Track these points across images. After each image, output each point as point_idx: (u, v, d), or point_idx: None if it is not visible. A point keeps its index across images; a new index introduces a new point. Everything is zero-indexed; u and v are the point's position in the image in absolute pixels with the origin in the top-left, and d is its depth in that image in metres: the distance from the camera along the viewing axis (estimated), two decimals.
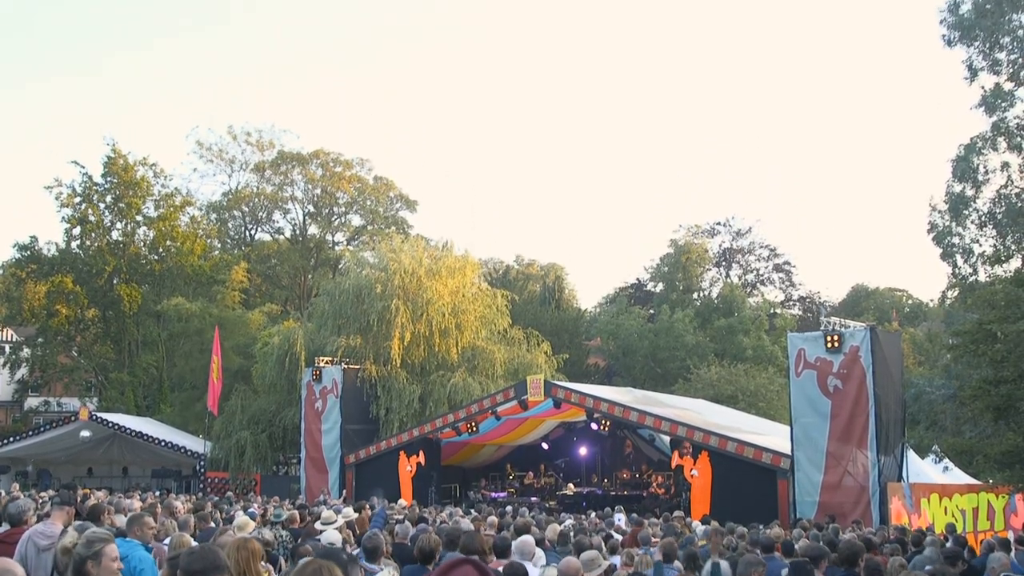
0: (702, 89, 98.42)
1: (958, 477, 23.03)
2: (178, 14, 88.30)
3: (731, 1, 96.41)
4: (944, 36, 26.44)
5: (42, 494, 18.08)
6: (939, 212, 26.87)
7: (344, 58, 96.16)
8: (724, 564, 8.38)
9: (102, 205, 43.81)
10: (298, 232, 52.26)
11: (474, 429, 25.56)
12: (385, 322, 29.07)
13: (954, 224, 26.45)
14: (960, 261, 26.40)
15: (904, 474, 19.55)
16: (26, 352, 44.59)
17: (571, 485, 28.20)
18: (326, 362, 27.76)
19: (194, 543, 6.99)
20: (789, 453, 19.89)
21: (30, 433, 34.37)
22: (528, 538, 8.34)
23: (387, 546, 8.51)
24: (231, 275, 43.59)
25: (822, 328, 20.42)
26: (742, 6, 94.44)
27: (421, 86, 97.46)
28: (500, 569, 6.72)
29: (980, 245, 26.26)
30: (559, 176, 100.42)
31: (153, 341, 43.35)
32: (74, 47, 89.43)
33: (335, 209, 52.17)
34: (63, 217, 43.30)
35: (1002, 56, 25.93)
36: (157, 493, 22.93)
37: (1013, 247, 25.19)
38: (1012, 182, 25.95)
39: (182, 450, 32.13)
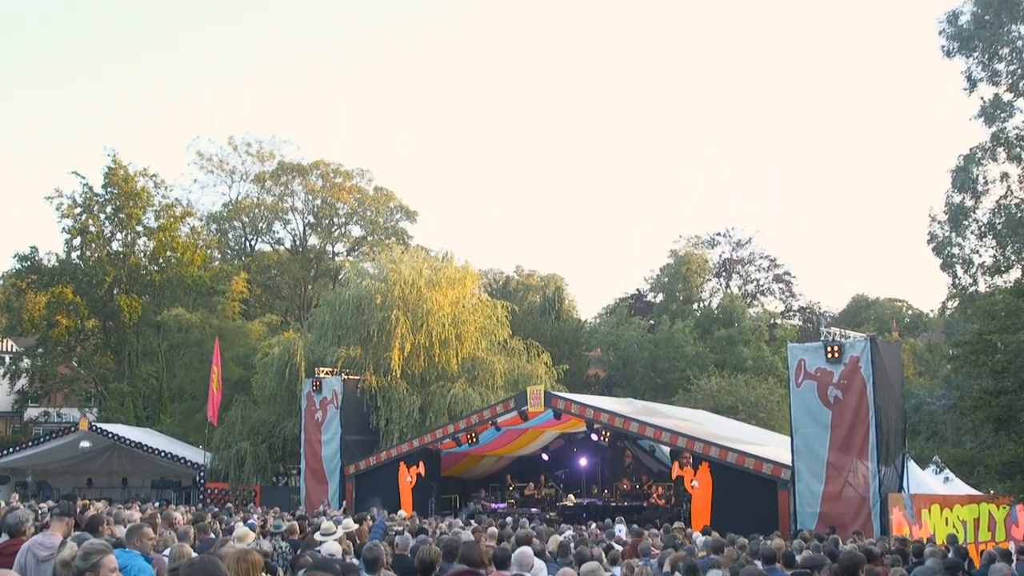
0: (703, 100, 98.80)
1: (959, 488, 22.95)
2: (177, 25, 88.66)
3: (731, 10, 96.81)
4: (943, 47, 26.54)
5: (41, 505, 18.06)
6: (939, 222, 26.92)
7: (345, 69, 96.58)
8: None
9: (102, 216, 43.81)
10: (298, 243, 52.24)
11: (474, 440, 25.53)
12: (385, 333, 29.08)
13: (954, 234, 26.48)
14: (960, 271, 26.43)
15: (905, 485, 19.53)
16: (26, 363, 44.65)
17: (571, 496, 28.10)
18: (326, 373, 27.74)
19: (194, 554, 6.98)
20: (790, 464, 19.84)
21: (30, 444, 34.21)
22: (528, 549, 8.32)
23: (387, 557, 8.49)
24: (231, 286, 43.53)
25: (822, 338, 20.32)
26: (742, 15, 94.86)
27: (421, 96, 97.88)
28: None
29: (980, 255, 26.34)
30: (559, 186, 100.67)
31: (153, 352, 43.30)
32: (74, 57, 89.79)
33: (335, 220, 52.14)
34: (63, 228, 43.36)
35: (1001, 67, 26.00)
36: (157, 504, 22.84)
37: (1013, 257, 25.21)
38: (1012, 192, 26.00)
39: (182, 461, 32.01)
